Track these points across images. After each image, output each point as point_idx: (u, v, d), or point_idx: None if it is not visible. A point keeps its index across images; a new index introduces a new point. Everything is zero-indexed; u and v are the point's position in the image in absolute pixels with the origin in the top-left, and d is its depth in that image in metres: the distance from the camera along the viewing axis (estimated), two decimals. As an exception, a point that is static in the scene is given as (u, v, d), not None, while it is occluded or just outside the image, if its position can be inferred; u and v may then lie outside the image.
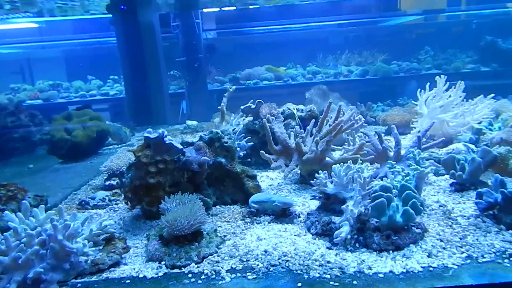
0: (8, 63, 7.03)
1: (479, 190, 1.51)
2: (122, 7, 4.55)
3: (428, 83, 3.08)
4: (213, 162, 1.84)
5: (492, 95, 2.98)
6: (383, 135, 2.17)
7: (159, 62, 5.16)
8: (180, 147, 1.75)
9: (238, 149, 2.38)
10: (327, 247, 1.41)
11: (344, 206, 1.45)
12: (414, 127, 3.07)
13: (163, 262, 1.33)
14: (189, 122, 4.64)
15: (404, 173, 1.65)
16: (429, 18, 6.94)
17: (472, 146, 2.46)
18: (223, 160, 1.87)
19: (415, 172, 1.62)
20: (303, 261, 1.29)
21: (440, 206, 1.67)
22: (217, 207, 1.84)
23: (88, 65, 6.89)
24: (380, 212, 1.34)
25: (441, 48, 6.43)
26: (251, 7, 5.89)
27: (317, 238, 1.48)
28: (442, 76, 3.03)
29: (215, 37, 6.84)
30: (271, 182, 2.28)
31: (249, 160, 2.57)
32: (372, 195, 1.40)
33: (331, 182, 1.60)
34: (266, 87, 5.90)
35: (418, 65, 6.04)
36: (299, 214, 1.69)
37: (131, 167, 1.70)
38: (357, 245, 1.39)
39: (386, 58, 6.25)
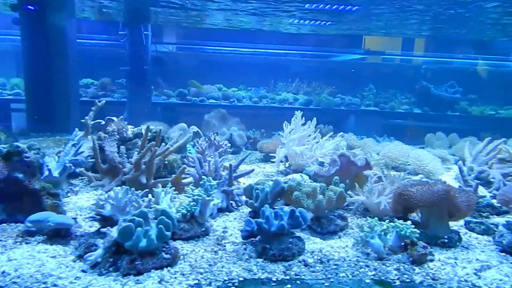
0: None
1: (248, 218, 1.61)
2: (29, 7, 4.34)
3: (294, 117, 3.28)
4: (7, 177, 1.76)
5: (341, 133, 3.27)
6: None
7: (67, 68, 4.97)
8: (-36, 159, 1.66)
9: (69, 165, 2.32)
10: (83, 270, 1.40)
11: (105, 229, 1.46)
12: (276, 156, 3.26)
13: None
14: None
15: (192, 198, 1.71)
16: (386, 59, 7.44)
17: (306, 177, 2.64)
18: (20, 175, 1.80)
19: (199, 198, 1.68)
20: (31, 283, 1.26)
21: (224, 231, 1.75)
22: (5, 224, 1.75)
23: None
24: (125, 236, 1.37)
25: (384, 88, 6.90)
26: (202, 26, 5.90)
27: (78, 260, 1.46)
28: (299, 111, 3.27)
29: (175, 51, 6.81)
30: (101, 201, 2.23)
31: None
32: (128, 219, 1.43)
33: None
34: (211, 105, 5.92)
35: (360, 101, 6.41)
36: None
37: None
38: (111, 268, 1.40)
39: (333, 90, 6.56)
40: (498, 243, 1.66)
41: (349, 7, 3.92)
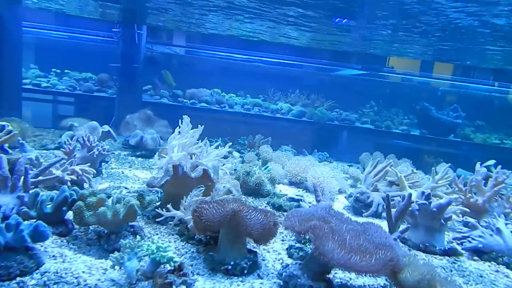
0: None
1: None
2: None
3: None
4: None
5: (230, 143, 3.05)
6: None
7: (3, 56, 4.77)
8: None
9: None
10: None
11: None
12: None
13: None
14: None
15: None
16: (405, 79, 7.00)
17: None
18: None
19: None
20: None
21: None
22: None
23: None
24: None
25: (387, 106, 6.48)
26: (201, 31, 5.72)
27: None
28: (186, 116, 3.04)
29: (180, 53, 6.71)
30: None
31: None
32: None
33: None
34: (201, 108, 5.75)
35: (356, 118, 6.07)
36: None
37: None
38: None
39: (333, 105, 6.23)
40: (279, 275, 1.41)
41: (338, 19, 3.64)
